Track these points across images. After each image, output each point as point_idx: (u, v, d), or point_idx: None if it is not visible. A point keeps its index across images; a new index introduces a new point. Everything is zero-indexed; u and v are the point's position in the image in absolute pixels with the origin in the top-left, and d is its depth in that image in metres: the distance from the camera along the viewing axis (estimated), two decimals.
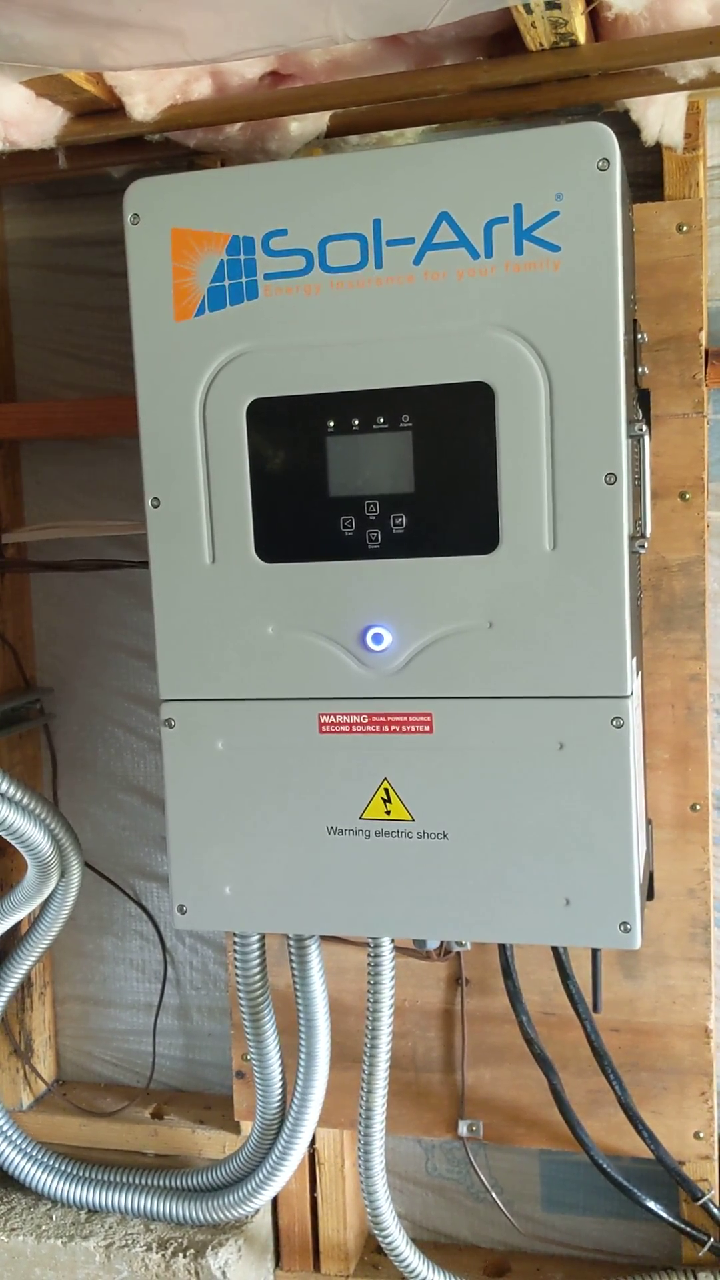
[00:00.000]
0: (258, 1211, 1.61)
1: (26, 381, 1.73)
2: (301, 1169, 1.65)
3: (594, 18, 1.26)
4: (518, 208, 1.09)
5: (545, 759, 1.16)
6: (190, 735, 1.25)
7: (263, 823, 1.24)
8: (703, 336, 1.39)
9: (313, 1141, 1.62)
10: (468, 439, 1.14)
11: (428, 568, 1.16)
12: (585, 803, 1.15)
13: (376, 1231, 1.48)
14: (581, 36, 1.23)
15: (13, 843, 1.47)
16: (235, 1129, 1.69)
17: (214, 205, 1.17)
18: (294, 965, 1.43)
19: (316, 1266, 1.68)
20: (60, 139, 1.43)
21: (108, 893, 1.78)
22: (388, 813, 1.21)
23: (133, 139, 1.42)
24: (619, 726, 1.14)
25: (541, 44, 1.25)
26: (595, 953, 1.39)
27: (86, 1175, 1.66)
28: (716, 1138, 1.49)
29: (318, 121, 1.39)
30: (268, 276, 1.16)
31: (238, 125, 1.40)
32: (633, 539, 1.16)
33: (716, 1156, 1.49)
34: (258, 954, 1.43)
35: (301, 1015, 1.45)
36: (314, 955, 1.42)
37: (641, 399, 1.30)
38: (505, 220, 1.10)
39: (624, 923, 1.16)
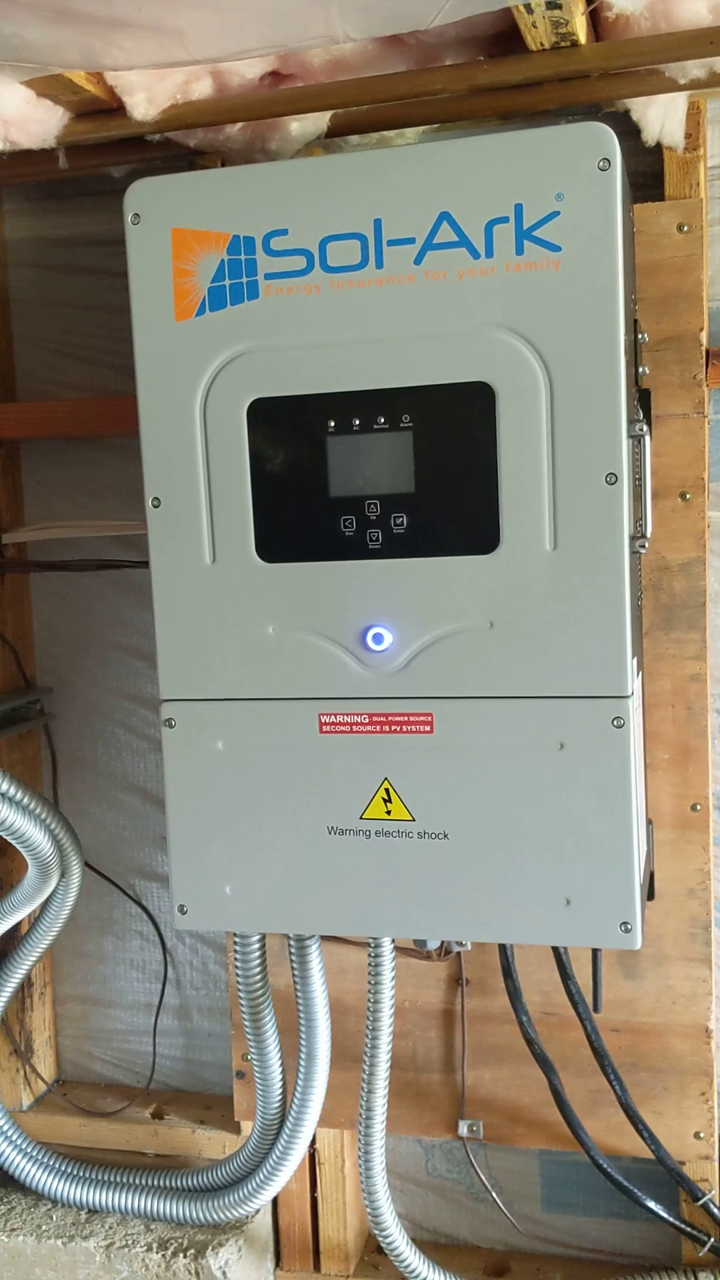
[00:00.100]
0: (258, 1212, 1.61)
1: (26, 381, 1.73)
2: (302, 1169, 1.65)
3: (594, 17, 1.26)
4: (518, 208, 1.09)
5: (546, 759, 1.16)
6: (190, 735, 1.25)
7: (263, 823, 1.24)
8: (703, 336, 1.39)
9: (313, 1141, 1.62)
10: (468, 439, 1.14)
11: (428, 568, 1.16)
12: (586, 803, 1.15)
13: (377, 1231, 1.48)
14: (582, 36, 1.23)
15: (13, 843, 1.47)
16: (235, 1129, 1.69)
17: (214, 205, 1.17)
18: (294, 965, 1.43)
19: (317, 1266, 1.68)
20: (60, 139, 1.43)
21: (108, 893, 1.78)
22: (388, 813, 1.21)
23: (133, 139, 1.42)
24: (619, 726, 1.14)
25: (542, 44, 1.25)
26: (595, 953, 1.39)
27: (86, 1175, 1.66)
28: (717, 1138, 1.49)
29: (318, 121, 1.39)
30: (268, 276, 1.16)
31: (238, 125, 1.40)
32: (633, 539, 1.16)
33: (717, 1156, 1.50)
34: (258, 954, 1.43)
35: (302, 1015, 1.45)
36: (314, 955, 1.42)
37: (642, 399, 1.30)
38: (506, 220, 1.10)
39: (624, 923, 1.16)
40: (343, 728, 1.21)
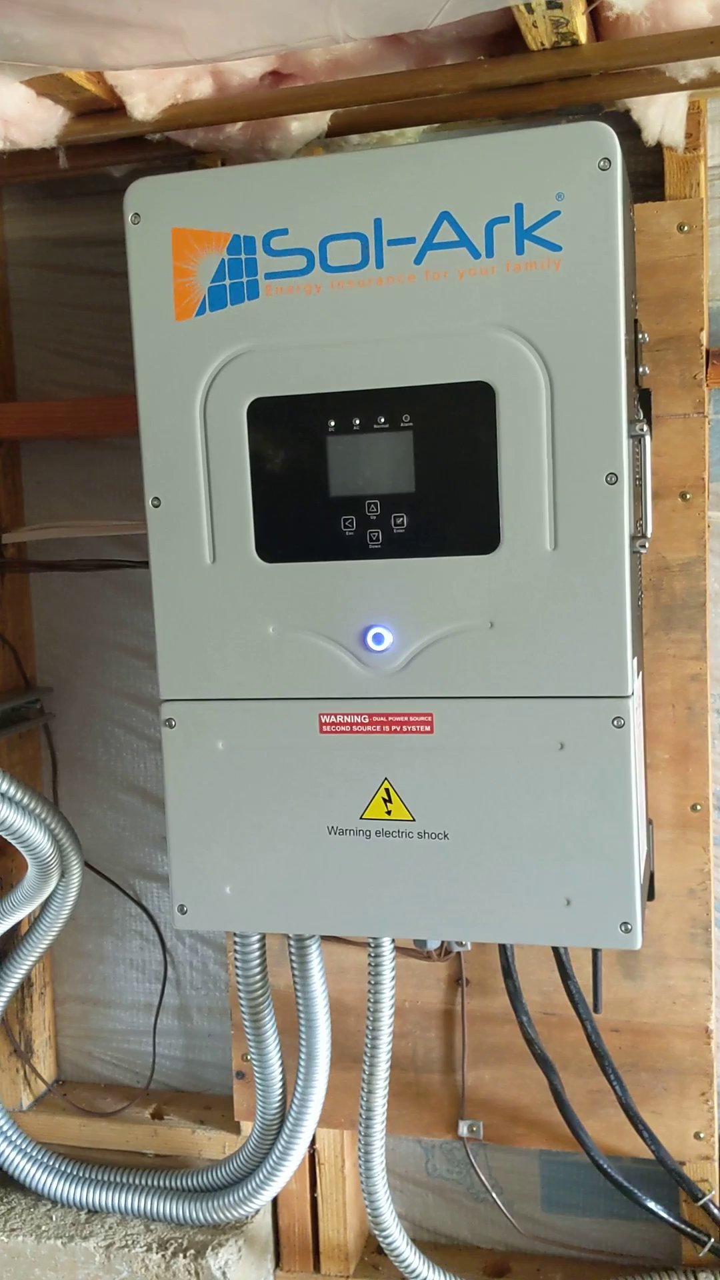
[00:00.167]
0: (258, 1212, 1.61)
1: (26, 381, 1.73)
2: (302, 1169, 1.65)
3: (595, 17, 1.26)
4: (519, 207, 1.09)
5: (546, 759, 1.16)
6: (191, 735, 1.25)
7: (263, 822, 1.24)
8: (703, 336, 1.39)
9: (313, 1142, 1.62)
10: (469, 439, 1.14)
11: (428, 567, 1.16)
12: (586, 803, 1.15)
13: (377, 1232, 1.48)
14: (583, 36, 1.23)
15: (13, 843, 1.47)
16: (235, 1129, 1.69)
17: (215, 205, 1.17)
18: (294, 965, 1.43)
19: (317, 1267, 1.68)
20: (61, 138, 1.43)
21: (108, 893, 1.78)
22: (388, 813, 1.21)
23: (133, 138, 1.42)
24: (620, 726, 1.14)
25: (542, 43, 1.25)
26: (596, 953, 1.39)
27: (86, 1175, 1.66)
28: (717, 1138, 1.49)
29: (318, 121, 1.39)
30: (268, 276, 1.16)
31: (238, 125, 1.40)
32: (634, 539, 1.16)
33: (717, 1157, 1.49)
34: (258, 954, 1.43)
35: (302, 1015, 1.45)
36: (314, 955, 1.42)
37: (642, 399, 1.30)
38: (506, 220, 1.10)
39: (625, 923, 1.16)
40: (343, 728, 1.21)
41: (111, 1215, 1.64)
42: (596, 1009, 1.42)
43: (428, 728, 1.19)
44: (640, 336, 1.32)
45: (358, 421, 1.16)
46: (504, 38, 1.28)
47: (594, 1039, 1.46)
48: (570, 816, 1.16)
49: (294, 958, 1.42)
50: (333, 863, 1.23)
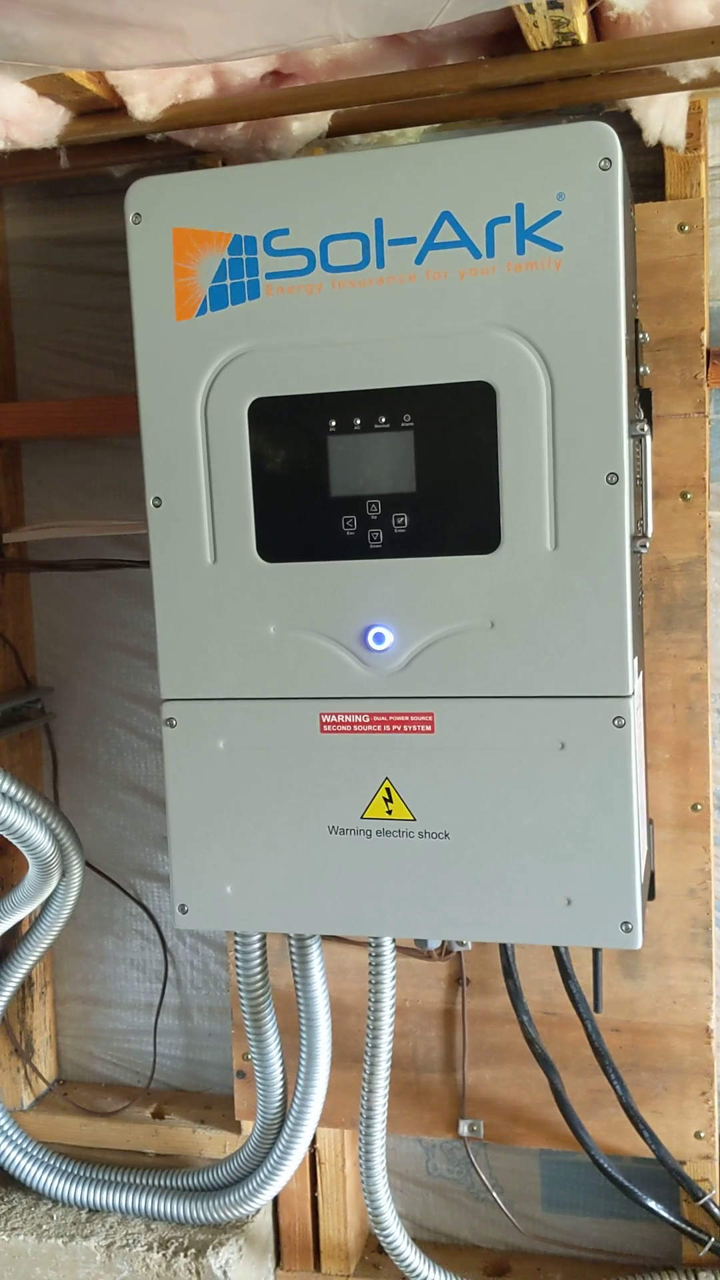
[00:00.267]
0: (258, 1211, 1.62)
1: (26, 381, 1.73)
2: (302, 1169, 1.65)
3: (596, 17, 1.26)
4: (519, 207, 1.09)
5: (546, 759, 1.16)
6: (191, 735, 1.25)
7: (264, 822, 1.24)
8: (704, 336, 1.39)
9: (313, 1141, 1.62)
10: (469, 439, 1.14)
11: (429, 567, 1.16)
12: (586, 802, 1.15)
13: (377, 1231, 1.48)
14: (583, 36, 1.23)
15: (14, 842, 1.47)
16: (236, 1129, 1.69)
17: (215, 205, 1.17)
18: (295, 965, 1.43)
19: (317, 1266, 1.68)
20: (62, 138, 1.43)
21: (108, 892, 1.78)
22: (389, 812, 1.21)
23: (134, 138, 1.43)
24: (620, 726, 1.14)
25: (543, 43, 1.25)
26: (596, 952, 1.39)
27: (87, 1175, 1.66)
28: (717, 1137, 1.49)
29: (319, 121, 1.39)
30: (269, 276, 1.16)
31: (239, 125, 1.40)
32: (634, 539, 1.16)
33: (717, 1156, 1.50)
34: (259, 953, 1.43)
35: (302, 1015, 1.45)
36: (315, 955, 1.42)
37: (643, 399, 1.30)
38: (507, 220, 1.10)
39: (625, 922, 1.16)
40: (343, 727, 1.21)
41: (112, 1214, 1.64)
42: (597, 1008, 1.42)
43: (428, 727, 1.19)
44: (641, 336, 1.32)
45: (358, 421, 1.17)
46: (505, 38, 1.28)
47: (594, 1038, 1.46)
48: (571, 816, 1.16)
49: (294, 957, 1.43)
50: (333, 862, 1.23)
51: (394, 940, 1.40)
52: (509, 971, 1.48)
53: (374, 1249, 1.70)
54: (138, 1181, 1.65)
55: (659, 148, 1.38)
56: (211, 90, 1.36)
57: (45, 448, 1.73)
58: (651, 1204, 1.49)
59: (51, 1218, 1.64)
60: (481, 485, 1.14)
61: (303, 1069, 1.46)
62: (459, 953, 1.54)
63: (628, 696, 1.14)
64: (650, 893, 1.32)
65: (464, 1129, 1.57)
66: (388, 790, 1.20)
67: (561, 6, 1.16)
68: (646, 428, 1.18)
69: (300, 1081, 1.46)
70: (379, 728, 1.20)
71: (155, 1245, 1.58)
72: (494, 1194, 1.66)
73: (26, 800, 1.46)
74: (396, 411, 1.15)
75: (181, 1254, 1.56)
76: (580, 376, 1.10)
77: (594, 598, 1.13)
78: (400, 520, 1.17)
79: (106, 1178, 1.65)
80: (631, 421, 1.13)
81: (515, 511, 1.13)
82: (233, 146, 1.44)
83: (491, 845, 1.18)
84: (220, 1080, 1.79)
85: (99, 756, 1.77)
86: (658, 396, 1.38)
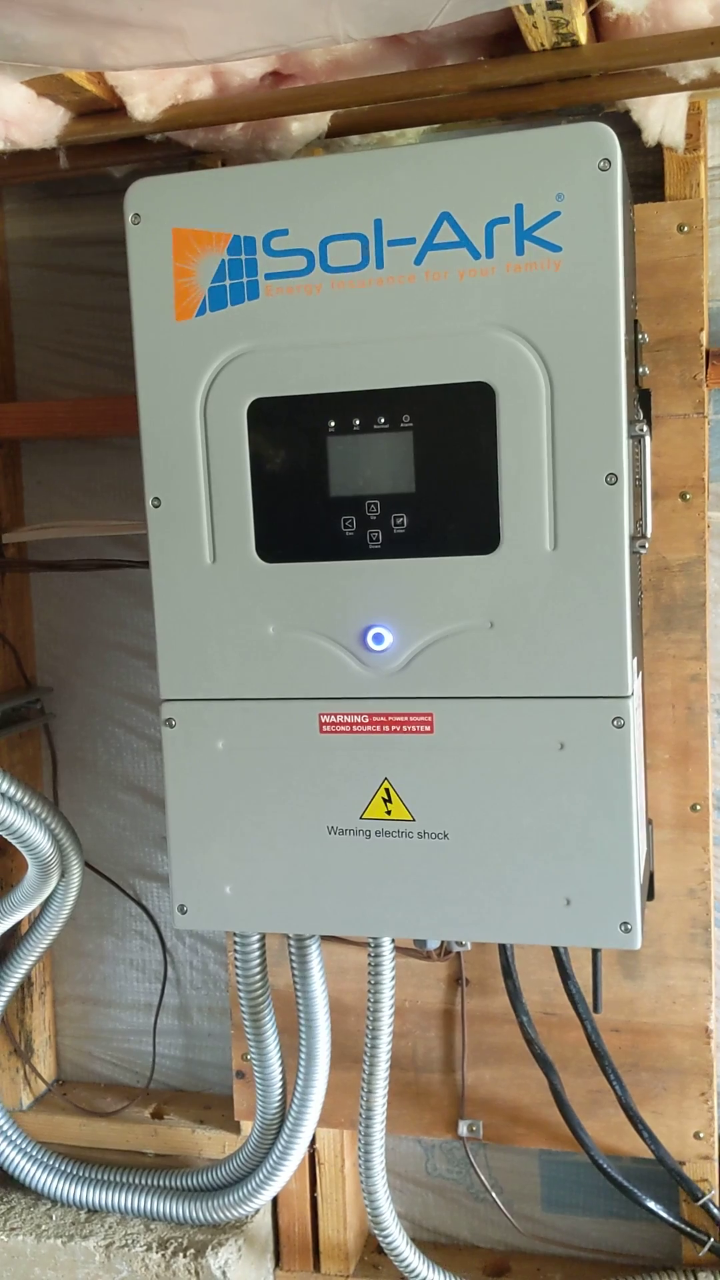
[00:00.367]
0: (258, 1211, 1.62)
1: (26, 381, 1.73)
2: (301, 1169, 1.65)
3: (595, 18, 1.26)
4: (519, 208, 1.09)
5: (546, 759, 1.16)
6: (191, 735, 1.25)
7: (263, 822, 1.24)
8: (703, 337, 1.39)
9: (313, 1141, 1.62)
10: (468, 439, 1.14)
11: (428, 568, 1.16)
12: (586, 803, 1.15)
13: (377, 1231, 1.48)
14: (583, 36, 1.23)
15: (13, 842, 1.47)
16: (235, 1129, 1.69)
17: (215, 205, 1.17)
18: (294, 965, 1.43)
19: (316, 1266, 1.68)
20: (61, 138, 1.43)
21: (108, 892, 1.78)
22: (388, 813, 1.21)
23: (134, 139, 1.42)
24: (620, 726, 1.14)
25: (543, 44, 1.25)
26: (595, 953, 1.39)
27: (86, 1175, 1.66)
28: (717, 1138, 1.49)
29: (319, 121, 1.39)
30: (269, 276, 1.16)
31: (239, 125, 1.40)
32: (633, 539, 1.16)
33: (717, 1156, 1.50)
34: (258, 954, 1.43)
35: (302, 1015, 1.45)
36: (314, 955, 1.42)
37: (642, 399, 1.30)
38: (506, 220, 1.10)
39: (624, 923, 1.16)
40: (343, 728, 1.21)
41: (111, 1215, 1.64)
42: (596, 1009, 1.42)
43: (428, 728, 1.19)
44: (640, 337, 1.32)
45: (358, 422, 1.17)
46: (504, 38, 1.28)
47: (594, 1039, 1.46)
48: (570, 816, 1.16)
49: (294, 958, 1.43)
50: (333, 863, 1.23)
51: (393, 940, 1.40)
52: (508, 972, 1.48)
53: (373, 1249, 1.70)
54: (137, 1182, 1.65)
55: (658, 148, 1.38)
56: (211, 91, 1.36)
57: (45, 448, 1.73)
58: (651, 1204, 1.49)
59: (50, 1218, 1.64)
60: (481, 485, 1.14)
61: (302, 1069, 1.46)
62: (458, 953, 1.54)
63: (627, 697, 1.14)
64: (650, 893, 1.32)
65: (463, 1129, 1.57)
66: (387, 790, 1.20)
67: (561, 7, 1.16)
68: (646, 428, 1.18)
69: (299, 1082, 1.47)
70: (378, 728, 1.20)
71: (154, 1245, 1.58)
72: (493, 1194, 1.66)
73: (26, 800, 1.46)
74: (396, 412, 1.15)
75: (181, 1254, 1.56)
76: (580, 377, 1.10)
77: (593, 598, 1.13)
78: (399, 520, 1.17)
79: (106, 1178, 1.65)
80: (631, 422, 1.13)
81: (514, 512, 1.13)
82: (232, 147, 1.44)
83: (491, 845, 1.18)
84: (220, 1080, 1.79)
85: (99, 756, 1.77)
86: (657, 397, 1.38)
